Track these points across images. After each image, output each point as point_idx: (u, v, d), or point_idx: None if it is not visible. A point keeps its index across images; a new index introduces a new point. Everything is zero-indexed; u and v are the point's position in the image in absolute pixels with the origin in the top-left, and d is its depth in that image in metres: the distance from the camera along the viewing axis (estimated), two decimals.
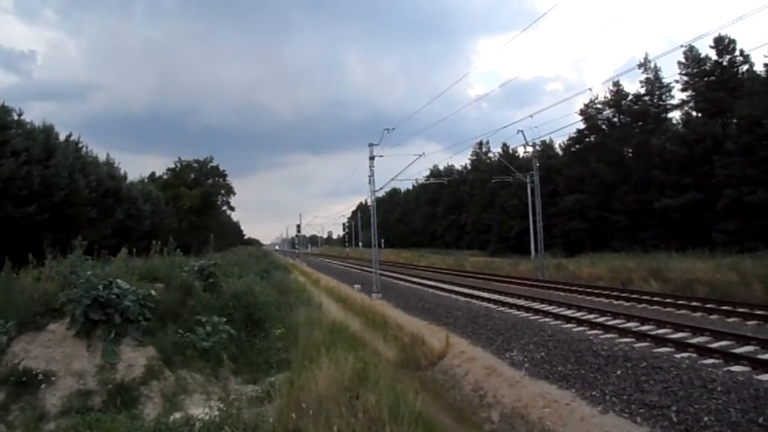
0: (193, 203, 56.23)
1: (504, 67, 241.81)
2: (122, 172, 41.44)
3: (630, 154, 42.48)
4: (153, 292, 10.19)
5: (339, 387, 6.81)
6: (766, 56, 33.50)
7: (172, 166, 61.55)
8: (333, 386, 6.80)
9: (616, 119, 44.66)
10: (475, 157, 70.81)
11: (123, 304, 9.14)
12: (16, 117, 27.54)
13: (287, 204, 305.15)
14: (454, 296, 21.27)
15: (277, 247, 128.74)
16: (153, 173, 60.64)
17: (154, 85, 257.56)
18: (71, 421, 7.04)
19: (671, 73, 44.30)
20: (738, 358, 9.22)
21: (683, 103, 39.70)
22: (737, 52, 35.87)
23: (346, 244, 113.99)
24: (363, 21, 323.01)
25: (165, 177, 60.20)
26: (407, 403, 6.37)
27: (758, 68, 35.30)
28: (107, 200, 33.95)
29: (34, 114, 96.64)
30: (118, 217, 34.97)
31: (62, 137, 32.76)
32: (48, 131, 29.98)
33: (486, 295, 20.48)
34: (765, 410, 7.08)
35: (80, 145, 35.04)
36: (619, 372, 9.62)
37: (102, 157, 39.09)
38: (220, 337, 10.19)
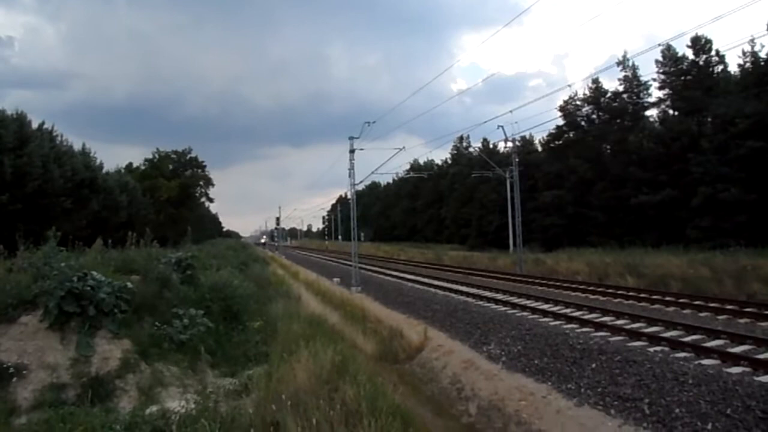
0: (170, 194, 55.44)
1: (487, 62, 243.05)
2: (98, 162, 40.81)
3: (608, 151, 43.01)
4: (129, 284, 10.06)
5: (317, 380, 6.81)
6: (740, 56, 34.26)
7: (150, 156, 60.70)
8: (311, 379, 6.80)
9: (594, 116, 45.06)
10: (455, 152, 70.96)
11: (98, 296, 8.99)
12: None
13: (267, 196, 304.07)
14: (432, 290, 21.38)
15: (263, 240, 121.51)
16: (130, 164, 59.77)
17: (135, 74, 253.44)
18: (44, 415, 6.91)
19: (649, 71, 44.90)
20: (709, 352, 9.43)
21: (660, 101, 40.22)
22: (713, 52, 36.43)
23: (326, 237, 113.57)
24: (347, 14, 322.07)
25: (143, 167, 59.31)
26: (385, 396, 6.40)
27: (733, 68, 36.11)
28: (82, 190, 33.37)
29: (10, 101, 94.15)
30: (94, 207, 34.40)
31: (37, 126, 32.13)
32: (21, 119, 29.31)
33: (464, 289, 20.61)
34: (733, 402, 7.26)
35: (55, 134, 34.41)
36: (594, 365, 9.78)
37: (77, 147, 38.45)
38: (198, 330, 10.09)
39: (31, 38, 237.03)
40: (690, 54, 37.14)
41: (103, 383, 8.01)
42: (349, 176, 28.63)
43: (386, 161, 63.74)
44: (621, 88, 42.89)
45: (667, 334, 11.11)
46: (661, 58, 38.33)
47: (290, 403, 5.90)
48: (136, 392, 8.12)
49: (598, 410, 8.58)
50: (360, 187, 40.40)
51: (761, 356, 9.05)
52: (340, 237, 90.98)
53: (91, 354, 8.41)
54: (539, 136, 51.97)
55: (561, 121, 45.51)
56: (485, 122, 61.75)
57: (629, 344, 10.48)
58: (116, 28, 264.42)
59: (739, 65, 34.67)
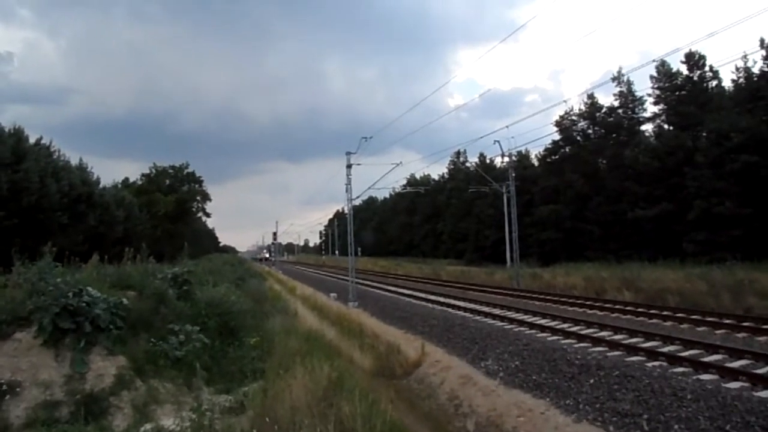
0: (167, 210, 55.38)
1: (483, 78, 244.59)
2: (95, 177, 40.83)
3: (604, 166, 43.18)
4: (125, 300, 9.99)
5: (313, 396, 6.75)
6: (733, 72, 34.62)
7: (147, 171, 60.77)
8: (307, 395, 6.74)
9: (590, 131, 45.32)
10: (452, 167, 71.13)
11: (93, 313, 8.92)
12: None
13: (264, 211, 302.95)
14: (430, 305, 21.31)
15: (265, 254, 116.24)
16: (126, 179, 59.81)
17: (133, 89, 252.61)
18: None
19: (644, 87, 45.25)
20: (707, 367, 9.40)
21: (655, 116, 40.50)
22: (707, 68, 36.78)
23: (323, 252, 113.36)
24: (343, 30, 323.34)
25: (139, 183, 59.34)
26: (382, 413, 6.34)
27: (726, 84, 36.45)
28: (79, 206, 33.35)
29: (9, 117, 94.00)
30: (91, 223, 34.36)
31: (35, 141, 32.21)
32: (18, 135, 29.37)
33: (462, 304, 20.56)
34: (732, 417, 7.22)
35: (52, 150, 34.46)
36: (592, 381, 9.73)
37: (74, 162, 38.49)
38: (193, 346, 10.01)
39: (31, 53, 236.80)
40: (684, 70, 37.55)
41: (97, 400, 7.92)
42: (346, 191, 28.72)
43: (383, 176, 64.30)
44: (616, 104, 43.24)
45: (665, 349, 11.08)
46: (655, 74, 38.73)
47: (285, 421, 5.85)
48: (131, 410, 8.03)
49: (596, 426, 8.52)
50: (357, 202, 40.50)
51: (760, 371, 9.03)
52: (337, 252, 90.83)
53: (86, 371, 8.33)
54: (535, 151, 52.31)
55: (557, 136, 45.71)
56: (482, 137, 62.44)
57: (627, 359, 10.45)
58: (115, 43, 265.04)
59: (733, 81, 35.10)
